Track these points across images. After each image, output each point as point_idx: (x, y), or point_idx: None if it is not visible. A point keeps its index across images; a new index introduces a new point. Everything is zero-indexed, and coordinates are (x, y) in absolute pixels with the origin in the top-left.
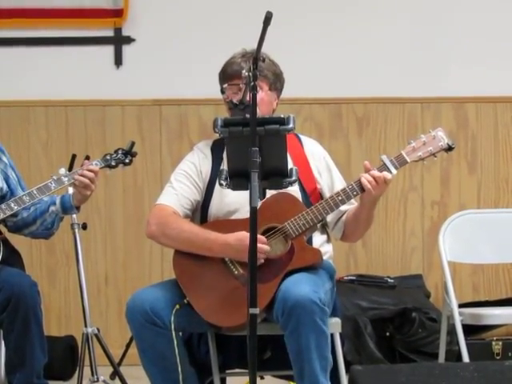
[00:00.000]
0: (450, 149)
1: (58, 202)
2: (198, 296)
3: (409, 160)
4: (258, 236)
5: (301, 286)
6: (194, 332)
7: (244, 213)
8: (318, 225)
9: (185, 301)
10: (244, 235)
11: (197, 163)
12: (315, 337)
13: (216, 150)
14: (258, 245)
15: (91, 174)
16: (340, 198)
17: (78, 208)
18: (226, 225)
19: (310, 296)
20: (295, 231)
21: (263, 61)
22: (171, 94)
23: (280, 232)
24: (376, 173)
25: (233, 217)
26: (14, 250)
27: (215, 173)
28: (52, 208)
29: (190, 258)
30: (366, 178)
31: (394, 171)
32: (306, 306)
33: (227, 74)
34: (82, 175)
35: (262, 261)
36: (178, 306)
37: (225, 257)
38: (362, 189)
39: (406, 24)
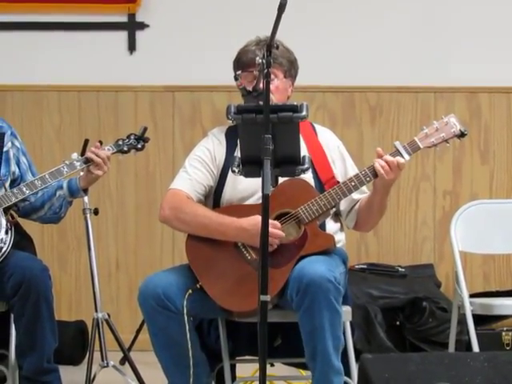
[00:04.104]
0: (462, 135)
1: (64, 185)
2: (211, 280)
3: (421, 146)
4: (272, 221)
5: (316, 265)
6: (205, 317)
7: (257, 199)
8: (331, 211)
9: (197, 285)
10: (259, 219)
11: (211, 149)
12: (329, 315)
13: (230, 136)
14: (273, 230)
15: (103, 154)
16: (353, 183)
17: (85, 191)
18: (240, 210)
19: (326, 274)
20: (308, 216)
21: (277, 48)
22: (184, 80)
23: (293, 217)
24: (389, 157)
25: (246, 203)
26: (26, 234)
27: (229, 159)
28: (59, 192)
29: (203, 242)
30: (379, 163)
31: (407, 157)
32: (322, 284)
33: (242, 63)
34: (93, 152)
35: (276, 246)
36: (190, 291)
37: (239, 241)
38: (375, 174)
39: (420, 12)
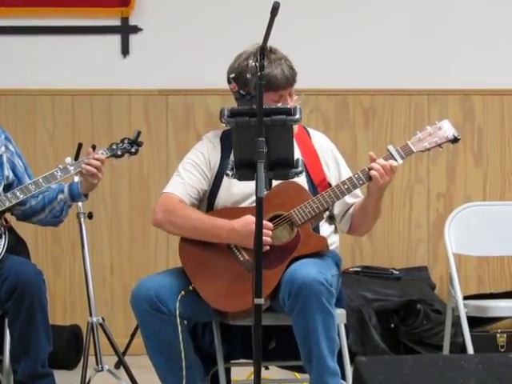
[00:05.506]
0: (455, 140)
1: (66, 189)
2: (204, 282)
3: (414, 150)
4: (264, 222)
5: (307, 268)
6: (199, 321)
7: (251, 203)
8: (325, 214)
9: (190, 287)
10: (250, 219)
11: (205, 153)
12: (322, 318)
13: (225, 140)
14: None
15: (98, 163)
16: (346, 186)
17: (86, 195)
18: (233, 212)
19: (317, 277)
20: (301, 219)
21: (271, 51)
22: (178, 83)
23: (286, 219)
24: (382, 161)
25: (239, 206)
26: (20, 238)
27: (224, 163)
28: (60, 196)
29: (196, 244)
30: (373, 167)
31: (400, 160)
32: (313, 286)
33: (243, 79)
34: (88, 164)
35: (268, 247)
36: (183, 293)
37: (231, 243)
38: (368, 177)
39: (414, 15)
